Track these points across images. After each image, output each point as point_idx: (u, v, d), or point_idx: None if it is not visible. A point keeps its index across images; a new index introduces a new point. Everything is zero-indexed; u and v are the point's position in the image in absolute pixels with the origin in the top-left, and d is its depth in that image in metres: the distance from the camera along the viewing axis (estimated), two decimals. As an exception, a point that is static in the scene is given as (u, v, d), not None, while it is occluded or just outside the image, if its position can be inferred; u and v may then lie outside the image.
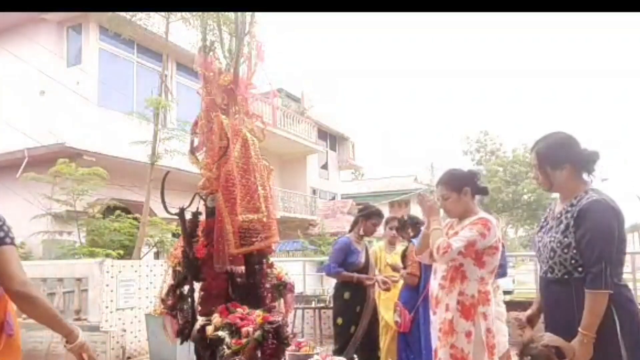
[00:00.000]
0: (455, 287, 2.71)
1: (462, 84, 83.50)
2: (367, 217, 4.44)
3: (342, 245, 4.33)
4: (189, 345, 3.02)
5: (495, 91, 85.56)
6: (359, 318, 4.18)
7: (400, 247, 4.90)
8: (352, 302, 4.21)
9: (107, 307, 6.20)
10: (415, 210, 31.63)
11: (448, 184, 2.85)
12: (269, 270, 3.08)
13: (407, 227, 4.56)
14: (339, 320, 4.24)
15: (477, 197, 2.87)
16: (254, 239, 2.82)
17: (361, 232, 4.43)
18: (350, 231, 4.53)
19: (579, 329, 2.03)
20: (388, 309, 4.78)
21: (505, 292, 6.37)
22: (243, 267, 2.96)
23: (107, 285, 6.23)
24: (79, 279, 6.47)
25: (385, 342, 4.65)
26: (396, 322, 4.13)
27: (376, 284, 4.77)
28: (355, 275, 4.21)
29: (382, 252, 5.07)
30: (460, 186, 2.81)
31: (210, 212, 2.91)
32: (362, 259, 4.31)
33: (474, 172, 2.94)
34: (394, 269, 4.53)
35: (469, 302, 2.66)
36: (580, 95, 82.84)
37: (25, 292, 1.79)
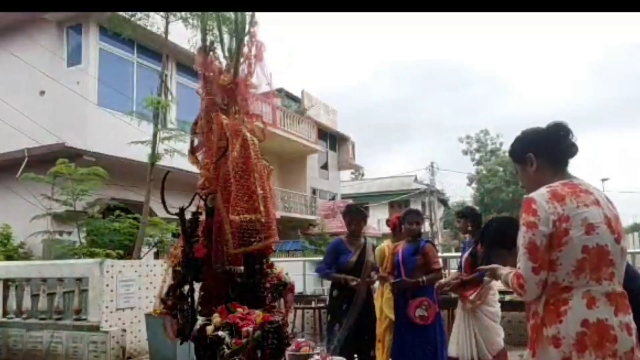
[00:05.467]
0: None
1: (462, 83, 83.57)
2: (351, 215, 4.52)
3: (333, 246, 4.43)
4: (189, 345, 3.02)
5: (495, 90, 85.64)
6: (343, 317, 4.19)
7: None
8: (339, 300, 4.26)
9: (107, 307, 6.20)
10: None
11: None
12: (269, 270, 3.08)
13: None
14: (328, 317, 4.40)
15: None
16: (253, 239, 2.82)
17: (354, 230, 4.47)
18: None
19: None
20: (392, 308, 4.80)
21: (505, 292, 6.37)
22: (243, 267, 2.96)
23: (107, 285, 6.23)
24: (79, 279, 6.47)
25: (392, 340, 4.69)
26: (421, 317, 4.25)
27: (378, 283, 4.80)
28: (342, 276, 4.24)
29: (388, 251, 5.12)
30: None
31: (210, 212, 2.92)
32: (353, 259, 4.31)
33: None
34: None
35: None
36: (580, 93, 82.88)
37: None
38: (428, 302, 4.30)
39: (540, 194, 1.92)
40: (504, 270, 2.12)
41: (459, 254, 5.62)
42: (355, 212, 4.48)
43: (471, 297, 4.39)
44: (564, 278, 1.84)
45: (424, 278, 4.36)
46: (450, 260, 10.18)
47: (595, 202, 1.91)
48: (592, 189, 1.97)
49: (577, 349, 1.77)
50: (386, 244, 5.25)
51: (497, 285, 4.39)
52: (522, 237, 1.89)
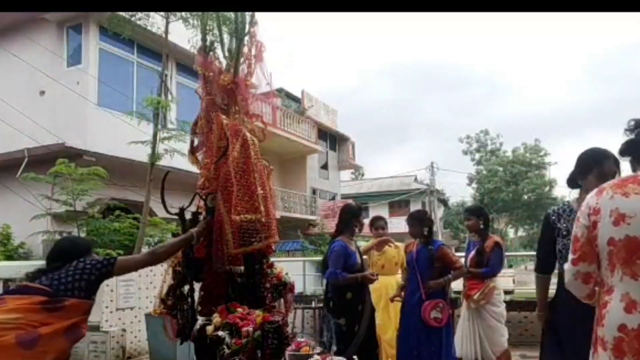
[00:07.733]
0: None
1: (461, 83, 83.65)
2: (358, 215, 4.46)
3: (340, 250, 4.30)
4: (189, 345, 3.02)
5: (495, 91, 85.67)
6: (361, 317, 4.19)
7: (389, 248, 5.08)
8: (354, 302, 4.22)
9: (107, 307, 6.19)
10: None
11: None
12: (269, 270, 3.08)
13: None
14: (342, 321, 4.21)
15: None
16: (253, 239, 2.81)
17: (357, 232, 4.45)
18: (340, 233, 4.41)
19: None
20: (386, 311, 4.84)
21: (506, 292, 6.38)
22: (243, 267, 2.96)
23: (107, 285, 6.23)
24: (79, 279, 6.46)
25: (388, 341, 4.70)
26: (436, 318, 4.25)
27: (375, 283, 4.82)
28: (359, 275, 4.22)
29: (370, 252, 5.17)
30: None
31: (210, 212, 2.91)
32: (358, 260, 4.31)
33: None
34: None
35: None
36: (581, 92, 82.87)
37: (154, 261, 2.63)
38: (443, 304, 4.29)
39: (595, 189, 1.90)
40: None
41: (459, 253, 5.63)
42: (359, 212, 4.47)
43: (475, 296, 4.38)
44: (606, 275, 1.78)
45: (449, 276, 4.36)
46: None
47: None
48: None
49: (614, 355, 1.71)
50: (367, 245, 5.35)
51: (502, 284, 4.40)
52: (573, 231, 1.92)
